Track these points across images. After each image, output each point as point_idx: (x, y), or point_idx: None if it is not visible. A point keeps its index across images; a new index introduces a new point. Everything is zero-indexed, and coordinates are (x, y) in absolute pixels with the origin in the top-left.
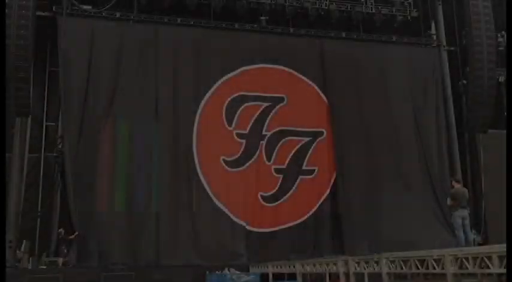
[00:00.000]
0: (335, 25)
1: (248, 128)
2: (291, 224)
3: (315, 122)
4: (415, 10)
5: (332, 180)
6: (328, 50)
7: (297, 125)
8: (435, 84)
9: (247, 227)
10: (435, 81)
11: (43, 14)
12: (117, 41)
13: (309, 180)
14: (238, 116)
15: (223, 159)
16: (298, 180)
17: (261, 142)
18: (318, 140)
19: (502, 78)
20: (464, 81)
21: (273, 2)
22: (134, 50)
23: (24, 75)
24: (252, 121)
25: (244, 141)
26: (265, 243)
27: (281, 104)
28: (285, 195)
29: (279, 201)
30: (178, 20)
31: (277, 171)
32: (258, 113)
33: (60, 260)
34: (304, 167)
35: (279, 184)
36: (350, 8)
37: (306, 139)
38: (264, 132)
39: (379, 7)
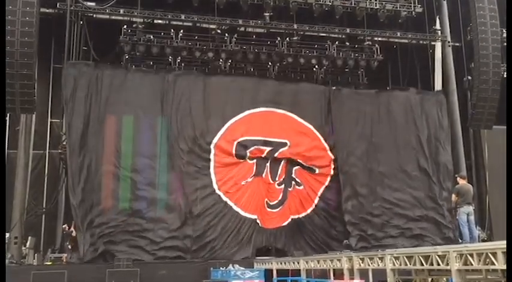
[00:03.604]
0: (339, 21)
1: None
2: (292, 218)
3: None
4: (419, 6)
5: (328, 179)
6: (334, 99)
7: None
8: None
9: (257, 221)
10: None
11: (47, 11)
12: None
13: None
14: (248, 154)
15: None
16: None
17: (266, 164)
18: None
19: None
20: (469, 77)
21: None
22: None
23: (28, 72)
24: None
25: (254, 162)
26: (270, 233)
27: (283, 149)
28: (284, 201)
29: (280, 208)
30: (182, 16)
31: (279, 184)
32: (264, 154)
33: (65, 256)
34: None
35: (281, 195)
36: (354, 4)
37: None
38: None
39: (384, 3)
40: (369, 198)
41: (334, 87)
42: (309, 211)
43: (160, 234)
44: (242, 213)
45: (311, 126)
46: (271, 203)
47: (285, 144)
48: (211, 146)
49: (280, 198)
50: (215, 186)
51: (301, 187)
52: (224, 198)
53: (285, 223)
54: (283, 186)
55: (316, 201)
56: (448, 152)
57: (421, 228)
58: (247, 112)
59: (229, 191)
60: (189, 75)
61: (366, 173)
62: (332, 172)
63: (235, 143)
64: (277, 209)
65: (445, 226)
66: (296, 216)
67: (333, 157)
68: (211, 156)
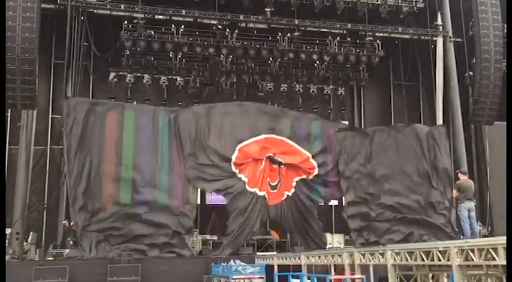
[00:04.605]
0: (340, 17)
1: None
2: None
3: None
4: (421, 1)
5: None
6: (341, 137)
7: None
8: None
9: (265, 196)
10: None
11: (48, 6)
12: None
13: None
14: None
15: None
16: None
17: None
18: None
19: None
20: (471, 73)
21: None
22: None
23: (29, 67)
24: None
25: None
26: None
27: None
28: (281, 181)
29: (278, 188)
30: (183, 11)
31: (275, 164)
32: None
33: (66, 252)
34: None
35: (278, 176)
36: None
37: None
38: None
39: None
40: (370, 204)
41: (337, 128)
42: (290, 192)
43: (161, 240)
44: (258, 192)
45: (309, 154)
46: (272, 184)
47: (281, 163)
48: (231, 163)
49: (278, 179)
50: (244, 181)
51: (284, 167)
52: (249, 188)
53: (283, 198)
54: (277, 165)
55: (293, 184)
56: (449, 160)
57: (421, 234)
58: (253, 139)
59: (253, 181)
60: (190, 111)
61: (367, 178)
62: (310, 178)
63: (249, 160)
64: (276, 190)
65: (447, 235)
66: (288, 193)
67: (316, 173)
68: (233, 169)
